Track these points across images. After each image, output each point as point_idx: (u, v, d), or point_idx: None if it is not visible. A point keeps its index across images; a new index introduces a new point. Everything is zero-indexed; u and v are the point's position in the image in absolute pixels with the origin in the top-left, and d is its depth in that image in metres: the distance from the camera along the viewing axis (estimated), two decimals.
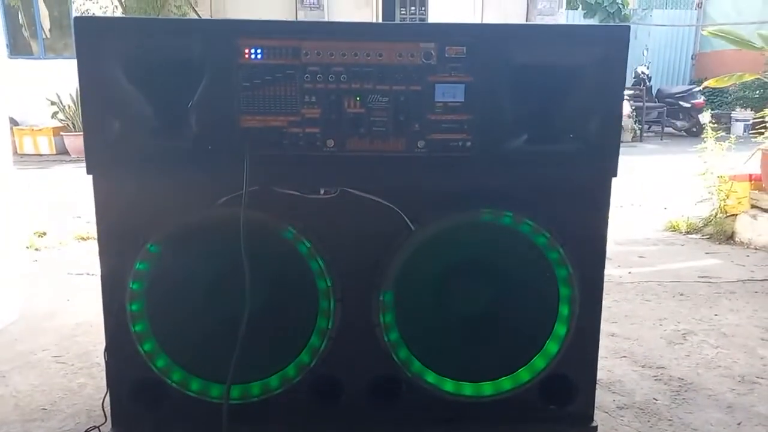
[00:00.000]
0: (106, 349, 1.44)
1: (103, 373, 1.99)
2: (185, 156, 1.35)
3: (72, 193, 5.88)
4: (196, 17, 7.15)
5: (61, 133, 8.94)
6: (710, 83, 4.23)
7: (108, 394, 1.45)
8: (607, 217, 1.46)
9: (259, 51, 1.32)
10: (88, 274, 3.33)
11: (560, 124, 1.39)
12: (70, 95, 8.80)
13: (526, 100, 1.37)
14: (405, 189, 1.40)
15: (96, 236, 1.39)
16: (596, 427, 1.54)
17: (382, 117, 1.37)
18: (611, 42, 1.31)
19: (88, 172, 1.36)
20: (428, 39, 1.33)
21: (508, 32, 1.36)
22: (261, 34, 1.33)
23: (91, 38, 1.31)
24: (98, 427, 1.62)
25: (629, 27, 1.37)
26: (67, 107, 8.90)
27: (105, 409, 1.47)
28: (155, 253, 1.38)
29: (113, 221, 1.39)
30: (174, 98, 1.34)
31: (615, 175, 1.41)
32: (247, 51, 1.32)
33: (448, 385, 1.48)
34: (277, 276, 1.43)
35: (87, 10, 8.92)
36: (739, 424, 1.87)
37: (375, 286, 1.42)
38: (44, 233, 4.16)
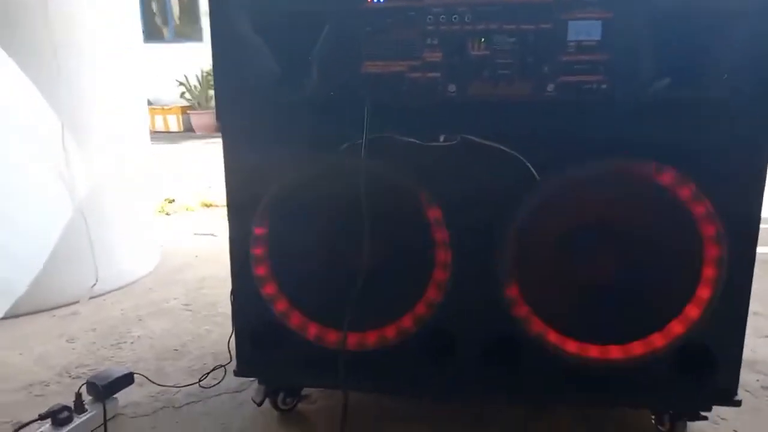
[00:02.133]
0: (232, 292, 1.50)
1: (227, 322, 2.11)
2: (309, 103, 1.36)
3: (197, 165, 6.32)
4: None
5: (188, 111, 9.57)
6: None
7: (233, 335, 1.52)
8: (765, 171, 1.28)
9: None
10: (212, 235, 3.56)
11: (710, 66, 1.23)
12: (197, 76, 9.40)
13: (671, 39, 1.23)
14: (531, 137, 1.31)
15: (224, 191, 1.45)
16: (740, 401, 1.38)
17: (508, 59, 1.29)
18: None
19: (218, 121, 1.41)
20: None
21: None
22: None
23: None
24: (224, 366, 1.71)
25: None
26: (193, 88, 9.51)
27: (230, 350, 1.54)
28: (279, 199, 1.41)
29: (241, 169, 1.43)
30: (300, 48, 1.34)
31: None
32: None
33: (572, 347, 1.39)
34: (396, 225, 1.41)
35: None
36: None
37: (496, 239, 1.36)
38: (173, 200, 4.49)
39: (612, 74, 1.25)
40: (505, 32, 1.28)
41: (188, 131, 9.46)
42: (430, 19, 1.29)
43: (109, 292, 2.56)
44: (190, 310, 2.39)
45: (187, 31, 10.39)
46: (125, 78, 2.69)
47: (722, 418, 1.60)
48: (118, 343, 2.09)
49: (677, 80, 1.25)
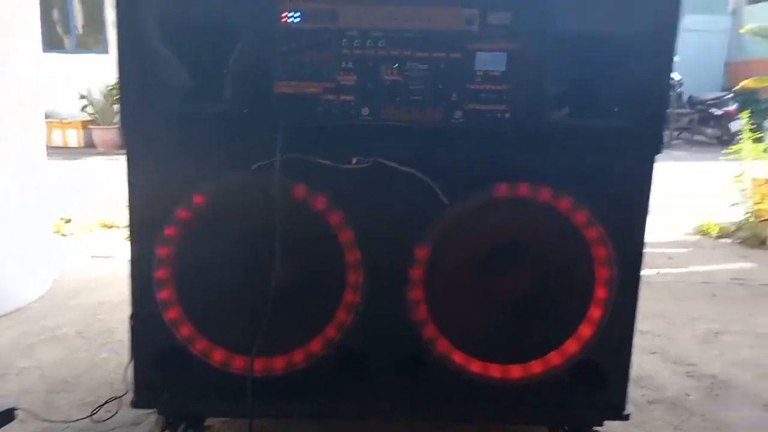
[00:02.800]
0: (131, 317, 1.42)
1: (125, 349, 1.99)
2: (219, 119, 1.33)
3: (98, 183, 5.97)
4: None
5: (90, 126, 9.07)
6: (747, 83, 4.13)
7: (130, 363, 1.43)
8: (649, 197, 1.40)
9: (297, 14, 1.30)
10: (111, 257, 3.36)
11: (604, 97, 1.34)
12: (100, 90, 8.94)
13: (569, 71, 1.33)
14: (440, 161, 1.36)
15: (127, 203, 1.37)
16: (629, 415, 1.48)
17: (420, 85, 1.33)
18: (660, 7, 1.26)
19: (122, 130, 1.35)
20: (470, 4, 1.29)
21: None
22: None
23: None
24: (120, 398, 1.60)
25: None
26: (96, 101, 9.03)
27: (127, 379, 1.45)
28: (184, 218, 1.36)
29: (144, 184, 1.37)
30: (210, 61, 1.32)
31: (659, 152, 1.36)
32: (285, 14, 1.30)
33: (476, 366, 1.43)
34: (306, 247, 1.40)
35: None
36: None
37: (405, 261, 1.38)
38: (69, 220, 4.21)
39: (515, 103, 1.33)
40: (417, 59, 1.33)
41: (89, 147, 8.94)
42: (345, 42, 1.31)
43: None
44: (85, 338, 2.23)
45: (91, 42, 9.91)
46: (20, 88, 2.51)
47: None
48: (2, 375, 1.90)
49: (574, 110, 1.35)
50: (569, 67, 1.32)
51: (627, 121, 1.32)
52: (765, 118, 9.58)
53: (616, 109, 1.32)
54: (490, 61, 1.31)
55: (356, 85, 1.33)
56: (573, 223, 1.38)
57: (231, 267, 1.39)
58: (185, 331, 1.40)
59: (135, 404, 1.43)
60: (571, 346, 1.44)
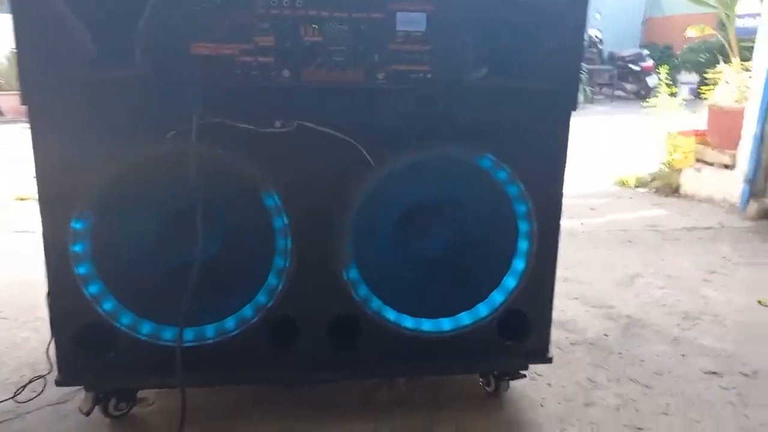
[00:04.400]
0: (48, 294, 1.36)
1: (47, 327, 1.92)
2: (130, 85, 1.27)
3: (9, 154, 5.57)
4: None
5: None
6: (692, 29, 4.37)
7: (52, 341, 1.38)
8: (566, 152, 1.46)
9: None
10: (31, 232, 3.18)
11: (522, 57, 1.37)
12: (5, 53, 8.26)
13: (488, 32, 1.34)
14: (365, 123, 1.36)
15: (35, 176, 1.29)
16: (551, 358, 1.58)
17: (341, 46, 1.31)
18: None
19: (23, 103, 1.25)
20: None
21: None
22: None
23: None
24: (44, 376, 1.55)
25: None
26: (1, 65, 8.35)
27: (50, 358, 1.40)
28: (100, 190, 1.30)
29: (53, 156, 1.29)
30: (118, 21, 1.24)
31: (574, 109, 1.41)
32: None
33: (408, 322, 1.48)
34: (231, 214, 1.38)
35: None
36: (683, 355, 1.96)
37: (334, 223, 1.39)
38: None
39: (436, 63, 1.34)
40: (337, 19, 1.30)
41: None
42: (261, 1, 1.27)
43: None
44: (5, 317, 2.12)
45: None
46: None
47: (538, 374, 1.81)
48: None
49: (493, 71, 1.38)
50: (488, 29, 1.33)
51: (543, 81, 1.36)
52: (679, 73, 10.11)
53: (532, 69, 1.35)
54: (411, 21, 1.31)
55: (275, 47, 1.29)
56: (494, 180, 1.42)
57: (153, 238, 1.36)
58: (109, 306, 1.35)
59: (59, 383, 1.38)
60: (497, 297, 1.51)
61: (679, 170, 4.19)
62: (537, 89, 1.39)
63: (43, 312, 2.08)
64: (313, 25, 1.30)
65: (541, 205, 1.45)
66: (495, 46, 1.37)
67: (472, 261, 1.49)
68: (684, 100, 4.88)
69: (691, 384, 1.78)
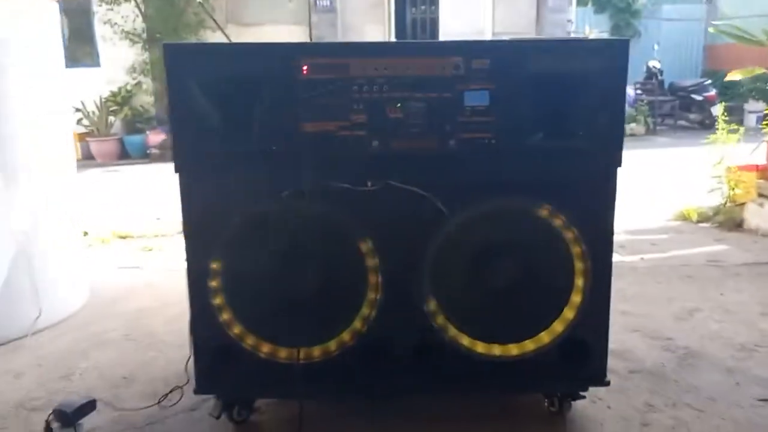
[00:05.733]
0: (191, 321, 1.71)
1: (170, 349, 2.31)
2: (255, 157, 1.62)
3: (104, 195, 6.21)
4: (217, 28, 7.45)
5: (87, 138, 9.16)
6: (735, 74, 4.42)
7: (191, 358, 1.72)
8: (614, 202, 1.70)
9: (314, 68, 1.59)
10: (137, 267, 3.63)
11: (571, 123, 1.64)
12: (94, 102, 9.11)
13: (541, 103, 1.62)
14: (440, 181, 1.65)
15: (182, 226, 1.67)
16: (609, 382, 1.78)
17: (418, 120, 1.63)
18: (613, 53, 1.56)
19: (176, 172, 1.63)
20: (456, 54, 1.58)
21: (523, 47, 1.62)
22: (315, 54, 1.60)
23: (177, 61, 1.59)
24: (181, 387, 1.90)
25: (628, 40, 1.61)
26: (91, 113, 9.20)
27: (188, 371, 1.74)
28: (230, 238, 1.65)
29: (196, 213, 1.66)
30: (247, 110, 1.61)
31: (620, 166, 1.65)
32: (305, 68, 1.59)
33: (480, 347, 1.74)
34: (333, 256, 1.69)
35: (109, 19, 9.22)
36: (737, 383, 2.10)
37: (416, 263, 1.68)
38: (87, 232, 4.45)
39: (498, 131, 1.63)
40: (415, 99, 1.62)
41: (87, 159, 9.06)
42: (355, 88, 1.61)
43: (47, 327, 2.62)
44: (132, 340, 2.52)
45: (79, 55, 10.00)
46: (50, 104, 2.69)
47: (599, 398, 2.00)
48: (67, 375, 2.19)
49: (547, 134, 1.65)
50: (541, 101, 1.61)
51: (590, 142, 1.62)
52: (745, 102, 9.93)
53: (580, 133, 1.62)
54: (475, 98, 1.61)
55: (367, 123, 1.62)
56: (553, 227, 1.68)
57: (271, 276, 1.69)
58: (237, 330, 1.69)
59: (198, 391, 1.73)
60: (558, 327, 1.75)
61: (742, 205, 4.23)
62: (585, 149, 1.65)
63: (164, 336, 2.49)
64: (397, 104, 1.62)
65: (593, 246, 1.69)
66: (548, 115, 1.65)
67: (536, 295, 1.74)
68: (748, 129, 4.89)
69: (742, 409, 1.93)
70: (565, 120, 1.63)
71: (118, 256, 3.90)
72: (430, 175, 1.65)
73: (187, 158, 1.64)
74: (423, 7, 9.98)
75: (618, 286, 2.66)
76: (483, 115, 1.62)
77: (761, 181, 4.11)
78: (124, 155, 9.40)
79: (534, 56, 1.58)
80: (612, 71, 1.57)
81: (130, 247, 4.14)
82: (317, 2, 9.79)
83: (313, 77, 1.60)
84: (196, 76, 1.60)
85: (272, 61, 1.60)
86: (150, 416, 1.89)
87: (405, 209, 1.67)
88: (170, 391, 1.92)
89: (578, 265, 1.71)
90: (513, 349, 1.75)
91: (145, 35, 9.47)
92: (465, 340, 1.73)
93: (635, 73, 10.76)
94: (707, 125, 9.46)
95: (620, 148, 1.64)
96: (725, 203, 4.39)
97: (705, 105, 10.04)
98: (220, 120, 1.62)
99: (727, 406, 1.95)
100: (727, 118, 4.62)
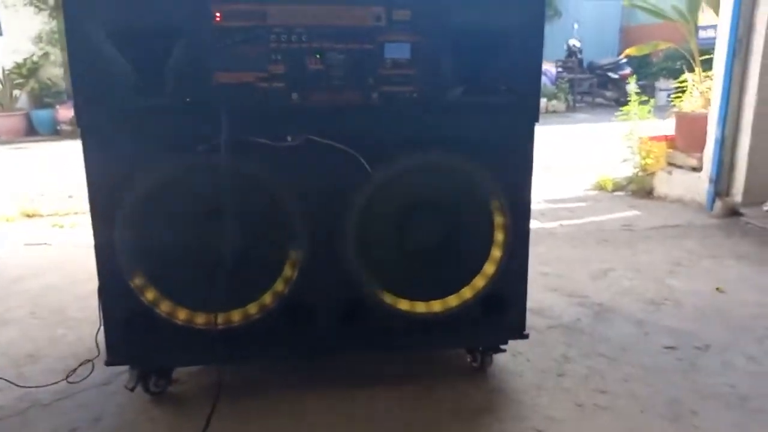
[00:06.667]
0: (100, 288, 1.60)
1: (81, 325, 2.17)
2: (167, 109, 1.52)
3: (12, 174, 5.79)
4: None
5: None
6: (630, 51, 4.63)
7: (100, 328, 1.62)
8: (533, 156, 1.73)
9: (229, 15, 1.50)
10: (46, 244, 3.40)
11: (491, 77, 1.64)
12: None
13: (462, 57, 1.61)
14: (363, 136, 1.62)
15: (87, 185, 1.54)
16: (528, 334, 1.84)
17: (339, 72, 1.58)
18: (531, 5, 1.57)
19: (79, 126, 1.51)
20: (378, 3, 1.54)
21: None
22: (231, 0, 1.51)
23: (77, 4, 1.46)
24: (92, 361, 1.78)
25: None
26: None
27: (98, 344, 1.64)
28: (142, 199, 1.55)
29: (100, 171, 1.54)
30: (155, 59, 1.50)
31: (537, 121, 1.68)
32: (219, 15, 1.50)
33: (403, 305, 1.73)
34: (252, 216, 1.63)
35: None
36: (646, 333, 2.22)
37: (340, 221, 1.65)
38: None
39: (420, 85, 1.61)
40: (336, 50, 1.57)
41: None
42: (272, 37, 1.53)
43: None
44: (38, 318, 2.35)
45: None
46: None
47: (519, 352, 2.06)
48: None
49: (468, 90, 1.65)
50: (462, 54, 1.60)
51: (509, 97, 1.63)
52: (658, 80, 10.49)
53: (503, 88, 1.63)
54: (397, 50, 1.58)
55: (285, 74, 1.56)
56: (474, 183, 1.69)
57: (187, 238, 1.60)
58: (150, 296, 1.60)
59: (109, 363, 1.63)
60: (479, 282, 1.77)
61: (652, 174, 4.48)
62: (504, 104, 1.66)
63: (74, 313, 2.34)
64: (317, 55, 1.57)
65: (513, 201, 1.72)
66: (469, 69, 1.64)
67: (458, 251, 1.75)
68: (660, 106, 5.20)
69: (651, 357, 2.05)
70: (485, 73, 1.63)
71: (26, 235, 3.65)
72: (353, 130, 1.62)
73: (90, 115, 1.51)
74: None
75: (538, 250, 2.74)
76: (405, 67, 1.59)
77: (670, 150, 4.36)
78: (31, 132, 8.79)
79: (455, 8, 1.57)
80: (530, 24, 1.58)
81: (38, 225, 3.89)
82: None
83: (227, 24, 1.51)
84: (100, 22, 1.47)
85: (183, 6, 1.49)
86: (58, 392, 1.76)
87: (327, 165, 1.62)
88: (79, 365, 1.80)
89: (498, 220, 1.73)
90: (436, 306, 1.76)
91: (51, 1, 8.80)
92: (388, 298, 1.72)
93: (557, 51, 11.11)
94: (622, 102, 9.87)
95: (537, 104, 1.67)
96: (637, 173, 4.63)
97: (620, 83, 10.51)
98: (126, 71, 1.51)
99: (637, 354, 2.06)
100: (639, 93, 4.86)
